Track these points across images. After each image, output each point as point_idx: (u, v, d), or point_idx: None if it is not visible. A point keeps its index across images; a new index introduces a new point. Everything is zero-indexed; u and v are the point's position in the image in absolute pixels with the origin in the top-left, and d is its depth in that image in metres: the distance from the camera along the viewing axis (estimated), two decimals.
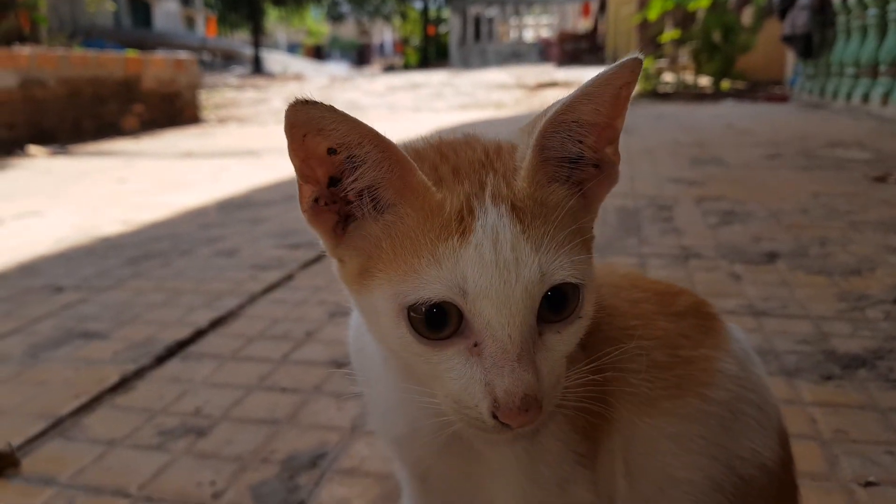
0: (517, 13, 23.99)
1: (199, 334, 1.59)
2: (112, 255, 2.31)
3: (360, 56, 41.65)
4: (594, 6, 21.22)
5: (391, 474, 0.97)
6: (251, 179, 3.79)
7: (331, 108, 0.50)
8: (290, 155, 0.54)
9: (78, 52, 6.32)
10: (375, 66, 29.31)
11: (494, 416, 0.50)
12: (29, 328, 1.67)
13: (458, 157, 0.56)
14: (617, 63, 0.52)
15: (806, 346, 1.41)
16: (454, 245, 0.51)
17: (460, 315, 0.51)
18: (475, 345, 0.51)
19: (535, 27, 25.65)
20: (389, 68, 25.05)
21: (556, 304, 0.52)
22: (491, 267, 0.50)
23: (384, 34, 44.42)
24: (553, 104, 0.54)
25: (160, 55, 7.31)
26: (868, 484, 0.95)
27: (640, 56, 0.52)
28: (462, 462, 0.61)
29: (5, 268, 2.20)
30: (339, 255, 0.58)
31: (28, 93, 5.57)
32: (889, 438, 1.06)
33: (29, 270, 2.16)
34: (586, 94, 0.53)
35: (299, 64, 21.79)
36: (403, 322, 0.52)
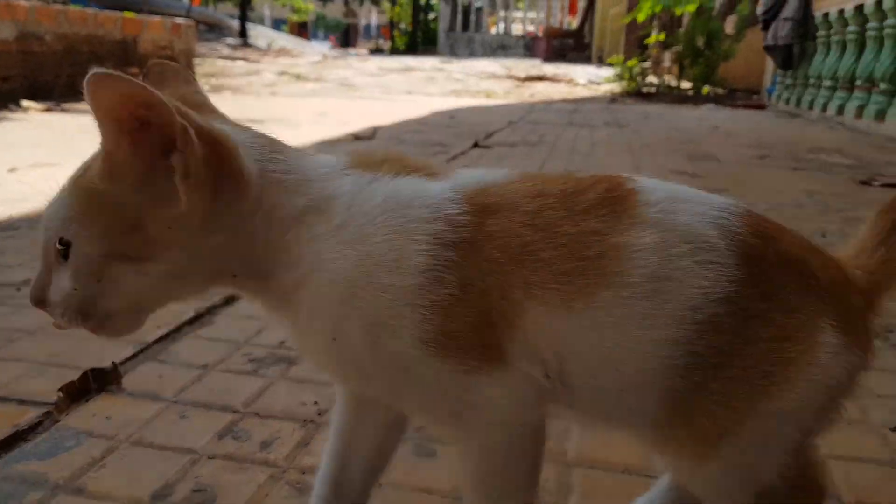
0: (506, 6, 24.07)
1: None
2: None
3: (345, 36, 41.06)
4: (582, 4, 21.40)
5: None
6: None
7: None
8: None
9: (76, 9, 6.24)
10: (361, 48, 28.98)
11: None
12: None
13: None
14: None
15: None
16: None
17: None
18: None
19: (523, 21, 25.75)
20: (377, 51, 24.80)
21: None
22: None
23: (371, 16, 43.92)
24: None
25: (158, 18, 7.25)
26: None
27: (104, 70, 0.57)
28: None
29: (19, 215, 2.19)
30: None
31: (25, 46, 5.50)
32: None
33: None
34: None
35: (285, 39, 21.44)
36: None
